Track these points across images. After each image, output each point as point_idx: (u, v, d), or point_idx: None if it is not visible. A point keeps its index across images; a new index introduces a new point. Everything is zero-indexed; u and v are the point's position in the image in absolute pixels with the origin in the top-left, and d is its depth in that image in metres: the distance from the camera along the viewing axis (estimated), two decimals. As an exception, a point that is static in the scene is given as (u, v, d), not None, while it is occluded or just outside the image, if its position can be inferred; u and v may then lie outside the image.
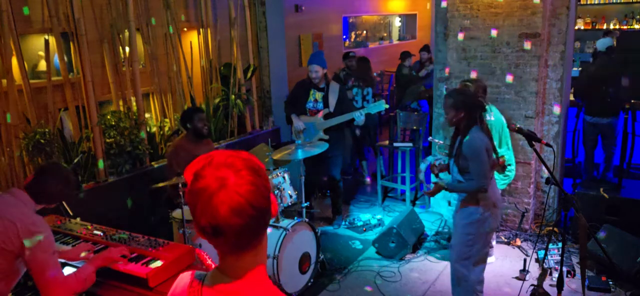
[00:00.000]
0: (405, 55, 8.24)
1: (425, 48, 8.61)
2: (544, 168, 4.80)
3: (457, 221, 3.48)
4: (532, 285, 3.86)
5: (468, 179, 3.31)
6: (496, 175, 4.28)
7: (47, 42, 4.56)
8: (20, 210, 2.46)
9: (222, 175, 1.10)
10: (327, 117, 5.08)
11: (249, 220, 1.11)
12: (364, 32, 11.36)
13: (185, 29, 6.24)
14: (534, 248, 4.64)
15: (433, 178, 3.66)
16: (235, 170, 1.12)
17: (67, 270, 2.82)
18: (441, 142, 3.97)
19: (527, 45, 4.80)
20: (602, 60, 5.75)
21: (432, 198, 5.81)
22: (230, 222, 1.09)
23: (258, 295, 1.17)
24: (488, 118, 4.22)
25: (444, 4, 5.23)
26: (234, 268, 1.18)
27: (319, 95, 5.13)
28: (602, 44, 5.88)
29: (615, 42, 6.00)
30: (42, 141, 4.26)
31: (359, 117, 4.96)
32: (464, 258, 3.43)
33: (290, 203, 4.43)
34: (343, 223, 5.53)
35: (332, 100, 5.07)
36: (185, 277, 1.28)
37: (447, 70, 5.28)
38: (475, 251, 3.41)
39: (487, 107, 4.26)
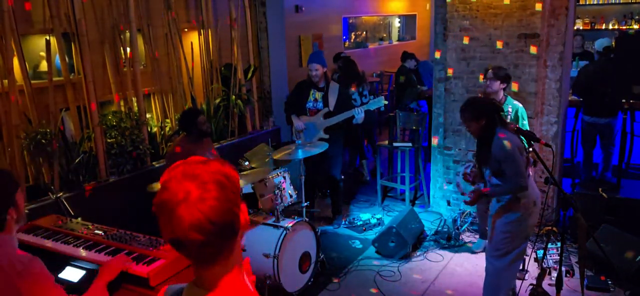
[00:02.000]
0: (406, 55, 8.21)
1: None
2: (542, 167, 4.82)
3: (496, 220, 3.45)
4: (531, 284, 3.87)
5: (504, 181, 3.31)
6: None
7: (48, 43, 4.57)
8: (3, 251, 2.07)
9: (185, 188, 1.08)
10: (326, 116, 5.10)
11: (209, 236, 1.09)
12: (364, 32, 11.38)
13: (185, 30, 6.26)
14: (533, 248, 4.65)
15: (467, 187, 3.66)
16: (199, 183, 1.09)
17: (69, 270, 2.85)
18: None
19: (533, 50, 4.82)
20: (600, 60, 5.78)
21: (431, 198, 5.84)
22: (190, 237, 1.08)
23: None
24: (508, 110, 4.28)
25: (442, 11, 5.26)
26: (205, 279, 1.17)
27: (318, 95, 5.14)
28: (599, 44, 5.91)
29: (614, 43, 6.02)
30: (44, 141, 4.28)
31: (359, 114, 4.98)
32: (502, 254, 3.44)
33: (290, 203, 4.45)
34: (343, 222, 5.55)
35: (332, 100, 5.09)
36: (165, 288, 1.28)
37: (451, 70, 5.30)
38: (514, 247, 3.42)
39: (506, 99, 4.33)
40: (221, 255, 1.15)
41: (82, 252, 2.97)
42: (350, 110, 5.00)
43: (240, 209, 1.16)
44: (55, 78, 4.69)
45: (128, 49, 5.21)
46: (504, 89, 4.36)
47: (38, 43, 4.94)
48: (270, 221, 4.10)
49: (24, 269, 2.04)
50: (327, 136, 5.05)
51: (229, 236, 1.14)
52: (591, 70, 5.76)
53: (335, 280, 4.43)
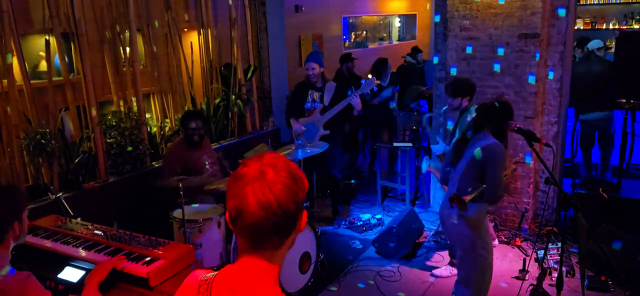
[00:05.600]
0: (417, 51, 8.21)
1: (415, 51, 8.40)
2: (543, 168, 4.81)
3: (472, 231, 3.36)
4: (531, 284, 3.87)
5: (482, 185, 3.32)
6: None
7: (47, 43, 4.57)
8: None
9: (263, 169, 1.18)
10: (323, 111, 5.08)
11: (272, 216, 1.16)
12: (364, 32, 11.37)
13: (185, 29, 6.25)
14: (534, 248, 4.65)
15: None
16: (276, 170, 1.18)
17: (68, 270, 2.84)
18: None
19: (533, 48, 4.82)
20: (583, 61, 5.98)
21: (431, 198, 5.83)
22: (253, 211, 1.15)
23: (259, 289, 1.20)
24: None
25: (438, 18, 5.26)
26: (247, 264, 1.23)
27: (316, 95, 5.14)
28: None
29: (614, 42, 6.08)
30: (43, 141, 4.27)
31: (354, 100, 4.94)
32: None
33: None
34: (343, 223, 5.54)
35: (327, 97, 5.08)
36: (199, 272, 1.33)
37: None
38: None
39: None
40: (272, 242, 1.21)
41: (82, 252, 2.96)
42: (345, 99, 4.96)
43: (302, 212, 1.24)
44: (54, 78, 4.68)
45: (128, 49, 5.20)
46: (470, 99, 4.29)
47: (37, 43, 4.93)
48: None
49: (21, 290, 2.00)
50: (327, 132, 5.03)
51: (285, 227, 1.21)
52: (579, 72, 5.85)
53: (335, 286, 4.42)
